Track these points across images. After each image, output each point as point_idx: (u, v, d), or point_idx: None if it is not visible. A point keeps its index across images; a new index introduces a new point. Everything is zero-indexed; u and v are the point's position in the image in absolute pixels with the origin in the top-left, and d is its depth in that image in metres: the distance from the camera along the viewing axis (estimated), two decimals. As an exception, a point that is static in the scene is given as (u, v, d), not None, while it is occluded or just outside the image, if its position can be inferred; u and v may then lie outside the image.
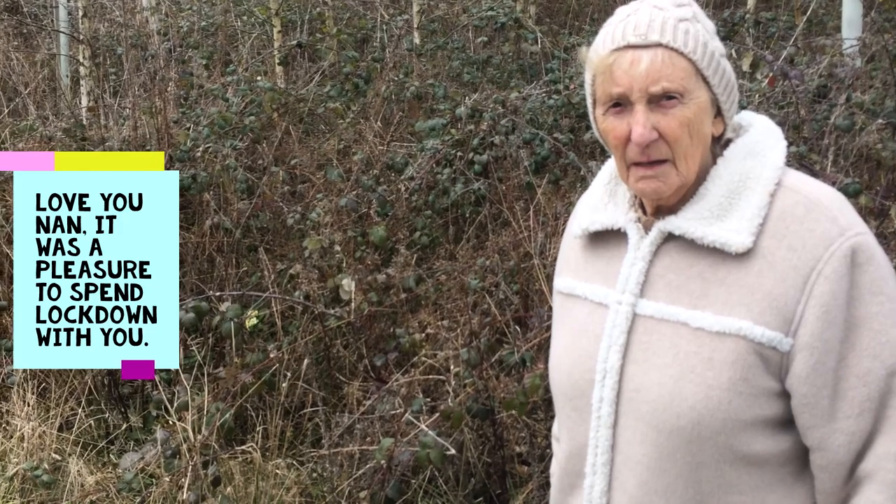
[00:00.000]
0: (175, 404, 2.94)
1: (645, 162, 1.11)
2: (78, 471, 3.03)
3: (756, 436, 1.09)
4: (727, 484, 1.09)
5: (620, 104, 1.11)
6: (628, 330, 1.14)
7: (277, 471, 2.86)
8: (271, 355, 3.09)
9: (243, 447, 2.92)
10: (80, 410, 3.32)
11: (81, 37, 5.52)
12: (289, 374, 3.08)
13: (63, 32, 6.18)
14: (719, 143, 1.17)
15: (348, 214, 3.91)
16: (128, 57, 5.53)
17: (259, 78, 5.43)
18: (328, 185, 4.28)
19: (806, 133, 3.46)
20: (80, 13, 5.60)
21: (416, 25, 6.02)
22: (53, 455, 3.12)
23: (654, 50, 1.08)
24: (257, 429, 2.99)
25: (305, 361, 3.13)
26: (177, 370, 3.16)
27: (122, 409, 3.41)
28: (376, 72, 5.31)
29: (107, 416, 3.35)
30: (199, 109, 4.92)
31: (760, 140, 1.16)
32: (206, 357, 3.26)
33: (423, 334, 3.15)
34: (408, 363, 3.07)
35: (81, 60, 5.59)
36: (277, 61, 5.68)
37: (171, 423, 2.96)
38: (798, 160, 3.09)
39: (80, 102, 5.72)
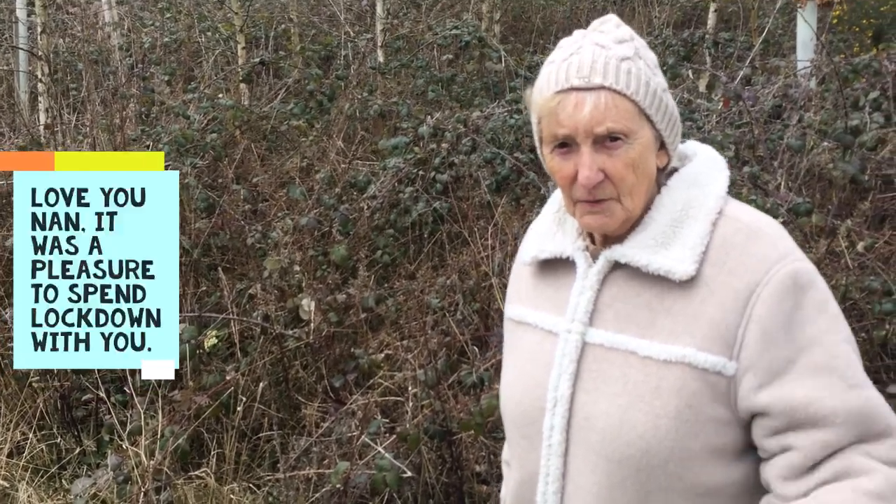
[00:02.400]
0: (128, 428, 2.88)
1: (591, 200, 1.13)
2: (28, 497, 2.95)
3: (706, 466, 1.08)
4: None
5: (567, 144, 1.12)
6: (578, 358, 1.15)
7: (233, 496, 2.81)
8: (228, 377, 3.05)
9: (198, 472, 2.86)
10: (31, 435, 3.24)
11: (40, 53, 5.44)
12: (245, 398, 3.04)
13: (21, 49, 6.08)
14: (664, 173, 1.19)
15: (310, 233, 3.89)
16: (88, 73, 5.46)
17: (221, 95, 5.39)
18: (290, 203, 4.25)
19: (761, 152, 3.52)
20: (39, 29, 5.53)
21: (380, 43, 6.04)
22: (2, 482, 3.04)
23: (598, 92, 1.10)
24: (213, 452, 2.94)
25: (263, 383, 3.10)
26: (131, 394, 3.11)
27: (76, 433, 3.33)
28: (340, 89, 5.31)
29: (59, 440, 3.27)
30: (159, 127, 4.87)
31: (703, 171, 1.19)
32: (161, 380, 3.20)
33: (383, 354, 3.13)
34: (366, 384, 3.05)
35: (40, 77, 5.50)
36: (241, 78, 5.65)
37: (124, 447, 2.90)
38: (752, 180, 3.14)
39: (38, 119, 5.63)
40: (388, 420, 2.83)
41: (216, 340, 3.38)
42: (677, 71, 4.76)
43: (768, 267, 1.08)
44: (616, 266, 1.16)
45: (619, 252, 1.14)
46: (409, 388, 2.80)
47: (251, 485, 2.93)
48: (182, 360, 3.04)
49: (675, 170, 1.20)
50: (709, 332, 1.07)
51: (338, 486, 2.52)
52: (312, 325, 3.23)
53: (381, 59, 5.96)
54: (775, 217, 2.63)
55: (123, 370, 3.26)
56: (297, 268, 3.52)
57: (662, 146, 1.16)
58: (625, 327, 1.13)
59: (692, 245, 1.11)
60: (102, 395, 3.21)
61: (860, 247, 3.05)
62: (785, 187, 3.29)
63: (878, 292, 2.82)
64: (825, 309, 1.08)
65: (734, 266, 1.09)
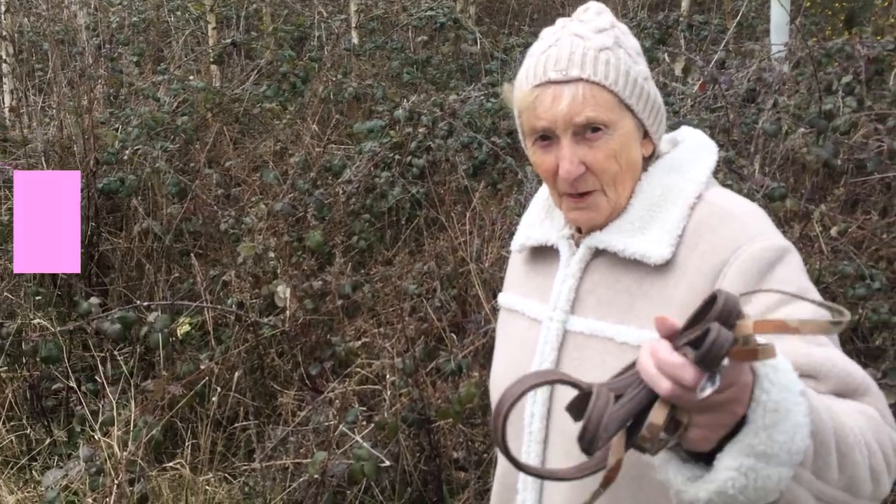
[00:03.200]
0: (100, 419, 2.83)
1: (575, 193, 1.12)
2: (-3, 490, 2.89)
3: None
4: (646, 498, 1.09)
5: (547, 137, 1.11)
6: (559, 346, 1.15)
7: (208, 486, 2.78)
8: (202, 366, 3.00)
9: (172, 462, 2.83)
10: (-1, 426, 3.18)
11: (4, 33, 5.28)
12: (219, 387, 3.00)
13: (-16, 28, 5.89)
14: (651, 160, 1.18)
15: (284, 219, 3.83)
16: (54, 53, 5.32)
17: (191, 77, 5.28)
18: (264, 187, 4.19)
19: (735, 136, 3.53)
20: (3, 9, 5.36)
21: (354, 24, 5.95)
22: (-30, 475, 2.98)
23: (576, 85, 1.09)
24: (187, 443, 2.90)
25: (238, 372, 3.06)
26: (102, 383, 3.05)
27: (46, 424, 3.27)
28: (314, 71, 5.22)
29: (29, 431, 3.21)
30: (128, 109, 4.76)
31: (686, 156, 1.18)
32: (133, 369, 3.15)
33: (360, 342, 3.11)
34: (344, 372, 3.02)
35: (4, 57, 5.35)
36: (212, 59, 5.54)
37: (96, 438, 2.85)
38: (727, 165, 3.15)
39: (2, 101, 5.48)
40: (365, 408, 2.82)
41: (189, 328, 3.33)
42: (653, 54, 4.75)
43: (736, 247, 1.07)
44: (597, 253, 1.16)
45: (598, 238, 1.14)
46: (387, 377, 2.78)
47: (227, 475, 2.90)
48: (155, 348, 2.99)
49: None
50: (679, 315, 1.05)
51: (315, 475, 2.50)
52: (288, 312, 3.19)
53: (355, 40, 5.88)
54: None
55: (94, 359, 3.22)
56: (271, 254, 3.47)
57: (646, 135, 1.15)
58: (605, 314, 1.12)
59: (669, 229, 1.11)
60: (73, 384, 3.15)
61: (833, 231, 3.08)
62: (760, 172, 3.30)
63: (851, 277, 2.85)
64: (792, 282, 1.06)
65: (705, 248, 1.09)
